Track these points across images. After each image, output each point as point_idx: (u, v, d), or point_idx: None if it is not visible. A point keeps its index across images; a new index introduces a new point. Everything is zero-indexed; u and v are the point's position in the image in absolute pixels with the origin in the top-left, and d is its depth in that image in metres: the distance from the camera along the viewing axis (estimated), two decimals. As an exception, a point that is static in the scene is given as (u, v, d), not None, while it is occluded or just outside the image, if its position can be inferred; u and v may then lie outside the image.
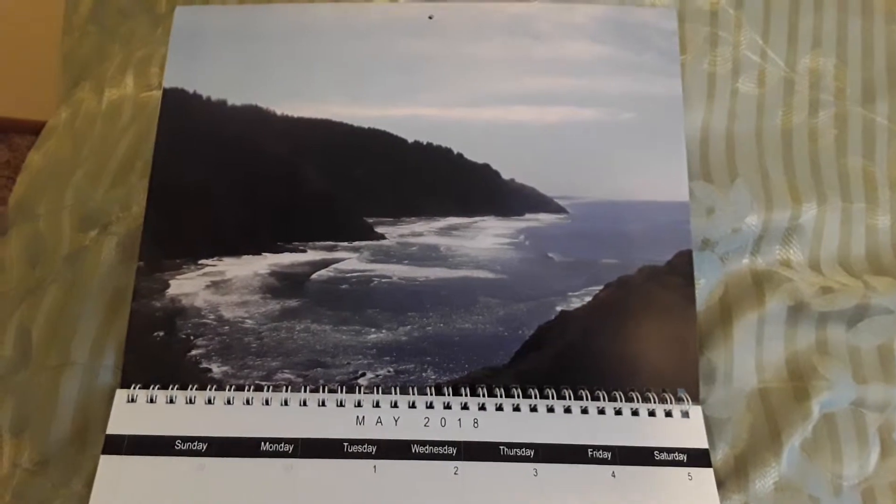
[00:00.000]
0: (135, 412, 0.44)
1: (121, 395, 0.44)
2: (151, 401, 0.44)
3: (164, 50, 0.56)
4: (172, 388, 0.45)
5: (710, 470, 0.43)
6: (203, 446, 0.43)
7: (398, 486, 0.42)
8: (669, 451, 0.44)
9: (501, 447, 0.43)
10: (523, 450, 0.43)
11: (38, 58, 1.02)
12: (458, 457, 0.43)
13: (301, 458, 0.43)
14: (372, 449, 0.43)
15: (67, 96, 0.61)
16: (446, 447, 0.43)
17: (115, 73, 0.58)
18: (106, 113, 0.56)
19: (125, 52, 0.59)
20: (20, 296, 0.50)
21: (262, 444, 0.43)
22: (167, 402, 0.44)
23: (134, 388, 0.45)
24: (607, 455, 0.43)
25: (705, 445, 0.44)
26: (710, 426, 0.45)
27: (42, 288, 0.49)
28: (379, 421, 0.44)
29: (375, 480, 0.42)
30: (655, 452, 0.44)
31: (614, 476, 0.43)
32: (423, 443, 0.43)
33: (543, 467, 0.43)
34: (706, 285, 0.49)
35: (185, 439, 0.43)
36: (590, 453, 0.43)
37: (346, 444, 0.43)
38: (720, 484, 0.43)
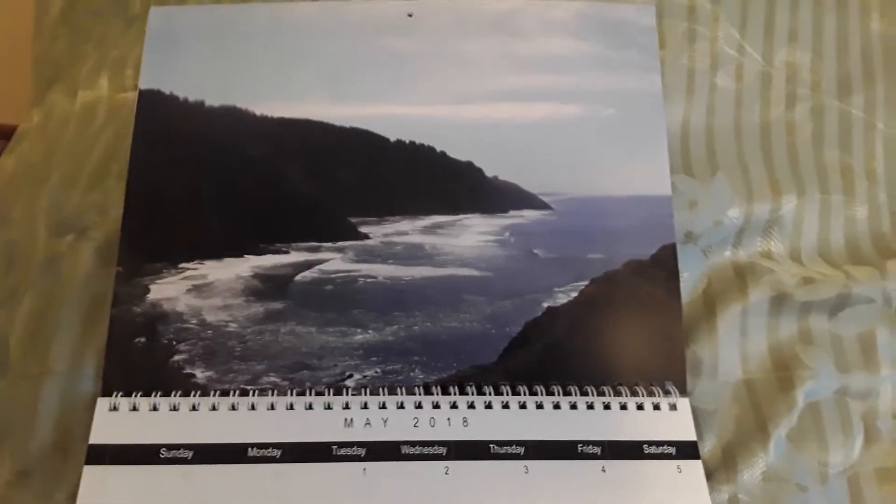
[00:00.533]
0: (117, 421, 0.43)
1: (102, 403, 0.43)
2: (134, 409, 0.43)
3: (139, 51, 0.55)
4: (155, 395, 0.44)
5: (699, 462, 0.44)
6: (189, 454, 0.42)
7: (388, 488, 0.42)
8: (658, 444, 0.44)
9: (491, 445, 0.43)
10: (513, 447, 0.43)
11: (6, 61, 1.00)
12: (449, 456, 0.43)
13: (289, 463, 0.42)
14: (361, 451, 0.43)
15: (40, 99, 0.60)
16: (436, 447, 0.43)
17: (88, 75, 0.57)
18: (80, 115, 0.55)
19: (98, 53, 0.58)
20: (-5, 305, 0.48)
21: (250, 449, 0.42)
22: (150, 410, 0.43)
23: (116, 395, 0.44)
24: (597, 450, 0.43)
25: (693, 437, 0.44)
26: (698, 418, 0.45)
27: (17, 295, 0.48)
28: (367, 422, 0.44)
29: (365, 483, 0.42)
30: (644, 446, 0.44)
31: (604, 471, 0.43)
32: (412, 443, 0.43)
33: (534, 464, 0.43)
34: (690, 278, 0.49)
35: (170, 447, 0.42)
36: (579, 449, 0.43)
37: (334, 447, 0.43)
38: (709, 475, 0.44)
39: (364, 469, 0.42)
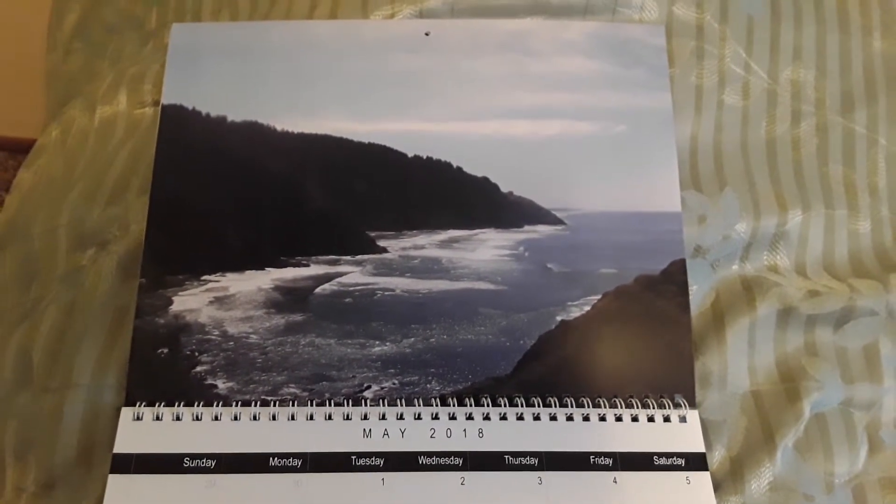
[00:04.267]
0: (141, 430, 0.44)
1: (126, 413, 0.44)
2: (157, 418, 0.44)
3: (157, 66, 0.56)
4: (178, 406, 0.45)
5: (707, 473, 0.45)
6: (212, 463, 0.43)
7: (406, 498, 0.43)
8: (668, 455, 0.45)
9: (506, 456, 0.44)
10: (528, 458, 0.44)
11: (10, 74, 1.01)
12: (465, 467, 0.44)
13: (310, 473, 0.43)
14: (380, 462, 0.43)
15: (57, 114, 0.60)
16: (452, 458, 0.44)
17: (107, 91, 0.57)
18: (99, 130, 0.56)
19: (116, 69, 0.59)
20: (17, 318, 0.49)
21: (271, 459, 0.43)
22: (174, 420, 0.44)
23: (139, 406, 0.45)
24: (609, 461, 0.44)
25: (702, 449, 0.45)
26: (706, 429, 0.46)
27: (39, 309, 0.48)
28: (385, 433, 0.44)
29: (384, 493, 0.43)
30: (655, 457, 0.45)
31: (616, 482, 0.44)
32: (429, 454, 0.44)
33: (548, 475, 0.44)
34: (699, 291, 0.50)
35: (193, 456, 0.43)
36: (592, 460, 0.44)
37: (353, 457, 0.44)
38: (717, 486, 0.45)
39: (382, 479, 0.43)
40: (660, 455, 0.45)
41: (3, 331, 0.49)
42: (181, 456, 0.43)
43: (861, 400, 0.48)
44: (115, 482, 0.42)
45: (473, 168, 0.51)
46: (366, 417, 0.45)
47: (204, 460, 0.43)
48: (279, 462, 0.43)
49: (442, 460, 0.44)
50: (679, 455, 0.45)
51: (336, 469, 0.43)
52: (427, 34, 0.53)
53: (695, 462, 0.45)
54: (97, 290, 0.48)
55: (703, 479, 0.44)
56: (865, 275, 0.53)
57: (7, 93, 1.06)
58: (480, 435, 0.45)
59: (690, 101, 0.55)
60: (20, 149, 1.21)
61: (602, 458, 0.44)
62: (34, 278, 0.51)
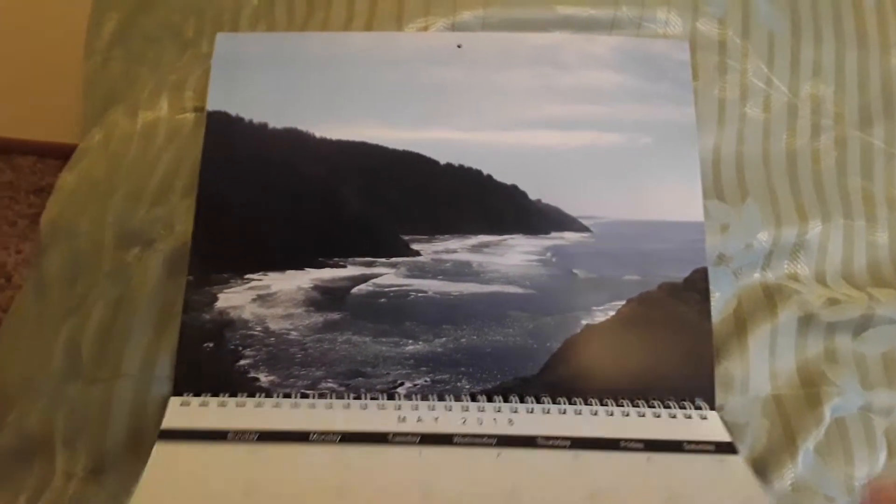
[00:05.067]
0: (189, 412, 0.46)
1: (175, 401, 0.46)
2: (203, 405, 0.46)
3: (197, 74, 0.58)
4: (223, 396, 0.46)
5: (739, 457, 0.45)
6: (255, 436, 0.44)
7: (443, 466, 0.44)
8: (697, 443, 0.46)
9: (538, 438, 0.45)
10: (559, 441, 0.45)
11: (41, 79, 1.04)
12: (499, 445, 0.45)
13: (348, 444, 0.44)
14: (416, 439, 0.45)
15: (99, 119, 0.62)
16: (485, 438, 0.45)
17: (149, 97, 0.59)
18: (141, 134, 0.57)
19: (156, 76, 0.61)
20: (64, 312, 0.51)
21: (311, 435, 0.45)
22: (219, 406, 0.46)
23: (186, 395, 0.46)
24: (639, 445, 0.45)
25: (729, 439, 0.46)
26: (729, 431, 0.47)
27: (87, 304, 0.50)
28: (420, 419, 0.46)
29: (421, 462, 0.44)
30: (685, 444, 0.46)
31: (649, 461, 0.44)
32: (463, 435, 0.45)
33: (582, 453, 0.44)
34: (721, 298, 0.51)
35: (237, 432, 0.44)
36: (622, 444, 0.45)
37: (390, 434, 0.45)
38: (740, 486, 0.46)
39: (420, 452, 0.44)
40: (689, 442, 0.46)
41: (51, 324, 0.51)
42: (226, 431, 0.45)
43: (880, 405, 0.49)
44: (161, 448, 0.44)
45: (503, 176, 0.52)
46: (399, 409, 0.46)
47: (247, 434, 0.44)
48: (319, 437, 0.44)
49: (476, 440, 0.45)
50: (707, 443, 0.46)
51: (374, 442, 0.44)
52: (459, 46, 0.55)
53: (724, 448, 0.46)
54: (144, 286, 0.50)
55: (736, 460, 0.45)
56: (884, 284, 0.54)
57: (35, 98, 1.09)
58: (511, 423, 0.46)
59: (714, 114, 0.56)
60: (49, 153, 1.24)
61: (632, 443, 0.45)
62: (80, 275, 0.52)
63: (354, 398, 0.47)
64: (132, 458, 0.45)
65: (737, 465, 0.45)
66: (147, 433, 0.46)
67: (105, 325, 0.49)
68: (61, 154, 0.71)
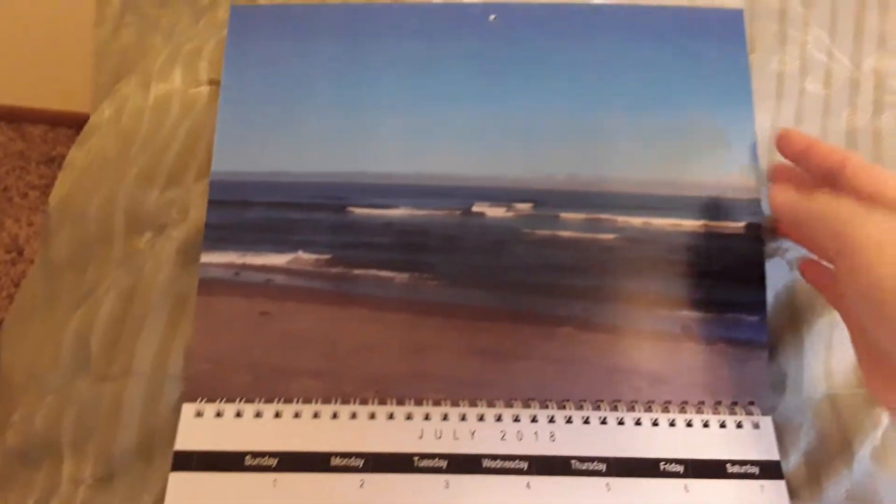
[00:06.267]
0: (202, 427, 0.43)
1: (188, 409, 0.43)
2: (219, 415, 0.43)
3: (212, 43, 0.55)
4: (240, 402, 0.44)
5: (783, 482, 0.43)
6: (274, 461, 0.42)
7: (470, 500, 0.41)
8: (741, 463, 0.43)
9: (573, 461, 0.43)
10: (595, 464, 0.43)
11: (50, 46, 1.00)
12: (530, 471, 0.42)
13: (372, 473, 0.42)
14: (443, 463, 0.42)
15: (110, 92, 0.59)
16: (517, 461, 0.43)
17: (162, 68, 0.56)
18: (154, 109, 0.54)
19: (170, 45, 0.58)
20: (74, 302, 0.48)
21: (333, 458, 0.42)
22: (235, 416, 0.43)
23: (200, 401, 0.44)
24: (679, 468, 0.43)
25: (776, 457, 0.44)
26: (781, 434, 0.44)
27: (97, 294, 0.48)
28: (451, 434, 0.43)
29: (447, 496, 0.41)
30: (728, 465, 0.43)
31: (687, 490, 0.42)
32: (493, 457, 0.43)
33: (616, 481, 0.42)
34: (774, 290, 0.48)
35: (255, 454, 0.42)
36: (661, 467, 0.43)
37: (416, 458, 0.42)
38: (793, 493, 0.43)
39: (446, 482, 0.42)
40: (733, 462, 0.43)
41: (60, 315, 0.48)
42: (243, 454, 0.42)
43: (940, 406, 0.46)
44: (177, 480, 0.42)
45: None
46: (427, 418, 0.44)
47: (266, 458, 0.42)
48: (340, 462, 0.42)
49: (507, 464, 0.43)
50: (753, 463, 0.43)
51: (398, 470, 0.42)
52: (493, 18, 0.51)
53: (769, 470, 0.43)
54: (156, 275, 0.47)
55: (778, 487, 0.43)
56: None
57: (45, 65, 1.06)
58: (546, 438, 0.43)
59: (772, 90, 0.52)
60: (60, 122, 1.21)
61: (672, 465, 0.43)
62: (90, 261, 0.50)
63: (380, 403, 0.44)
64: (143, 465, 0.43)
65: (776, 497, 0.43)
66: (159, 438, 0.43)
67: (115, 318, 0.46)
68: (73, 122, 0.68)
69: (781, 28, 0.52)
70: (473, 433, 0.43)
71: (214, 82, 0.53)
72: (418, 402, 0.44)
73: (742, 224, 0.47)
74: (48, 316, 0.49)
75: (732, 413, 0.44)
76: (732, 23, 0.50)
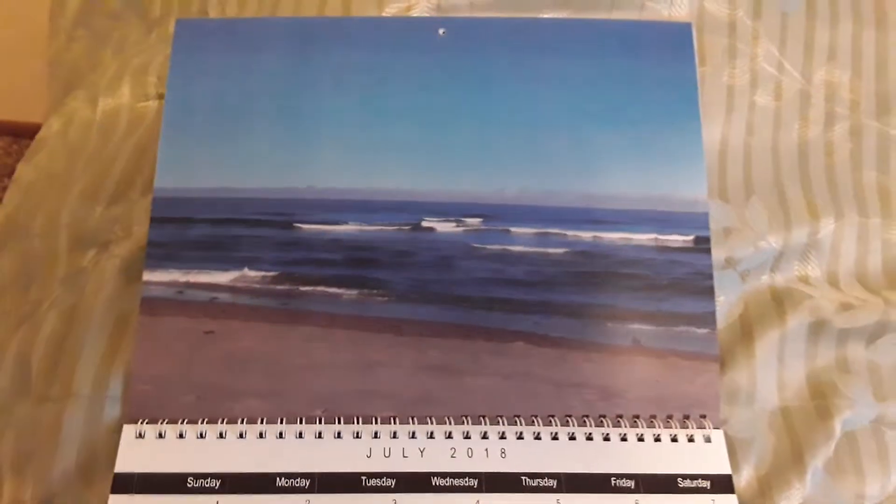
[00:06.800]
0: (144, 448, 0.42)
1: (128, 430, 0.42)
2: (160, 436, 0.42)
3: (161, 58, 0.54)
4: (182, 423, 0.43)
5: (734, 496, 0.43)
6: (216, 483, 0.41)
7: None
8: (693, 477, 0.43)
9: (524, 478, 0.42)
10: (546, 480, 0.42)
11: (13, 56, 0.99)
12: (480, 489, 0.42)
13: (319, 493, 0.41)
14: (391, 482, 0.42)
15: (58, 105, 0.58)
16: (467, 479, 0.42)
17: (110, 82, 0.55)
18: (101, 123, 0.54)
19: (120, 59, 0.57)
20: (16, 322, 0.47)
21: (278, 479, 0.41)
22: (177, 437, 0.42)
23: (142, 423, 0.43)
24: (630, 483, 0.42)
25: (728, 471, 0.43)
26: (734, 447, 0.44)
27: (39, 313, 0.47)
28: (399, 452, 0.43)
29: None
30: (679, 479, 0.43)
31: None
32: (443, 475, 0.42)
33: (566, 498, 0.42)
34: (726, 302, 0.48)
35: (197, 476, 0.41)
36: (613, 482, 0.42)
37: (364, 477, 0.42)
38: (745, 508, 0.43)
39: (395, 501, 0.41)
40: (684, 477, 0.43)
41: (2, 334, 0.47)
42: (185, 476, 0.41)
43: (893, 418, 0.46)
44: (117, 502, 0.40)
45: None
46: (377, 436, 0.43)
47: (208, 480, 0.41)
48: (286, 482, 0.41)
49: (456, 481, 0.42)
50: (704, 477, 0.43)
51: (345, 490, 0.41)
52: (443, 33, 0.50)
53: (720, 484, 0.43)
54: (98, 294, 0.46)
55: (729, 501, 0.42)
56: (899, 287, 0.50)
57: (9, 77, 1.04)
58: (496, 454, 0.43)
59: (721, 103, 0.52)
60: (23, 133, 1.19)
61: (623, 480, 0.43)
62: (34, 279, 0.49)
63: (327, 422, 0.43)
64: (83, 487, 0.42)
65: None
66: (99, 461, 0.42)
67: (57, 338, 0.45)
68: (35, 134, 0.67)
69: (731, 41, 0.53)
70: (423, 451, 0.43)
71: (162, 97, 0.52)
72: (367, 421, 0.43)
73: (691, 237, 0.47)
74: (-9, 336, 0.48)
75: (684, 427, 0.44)
76: (681, 36, 0.50)
